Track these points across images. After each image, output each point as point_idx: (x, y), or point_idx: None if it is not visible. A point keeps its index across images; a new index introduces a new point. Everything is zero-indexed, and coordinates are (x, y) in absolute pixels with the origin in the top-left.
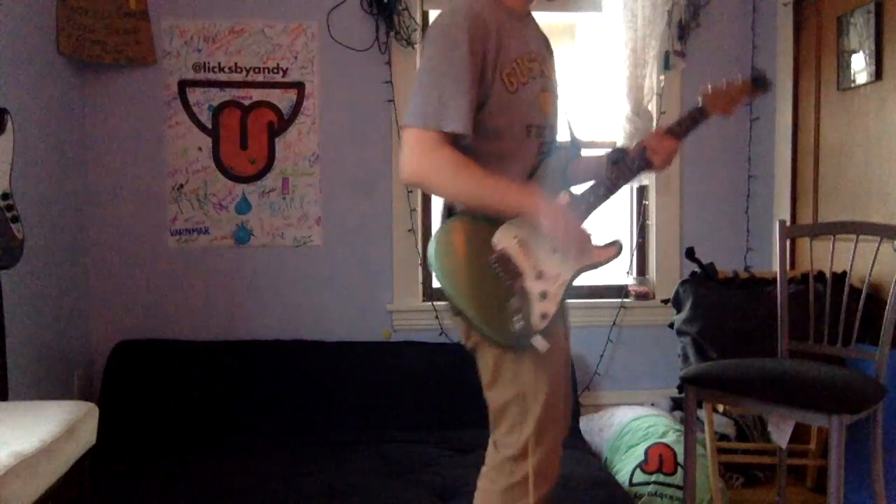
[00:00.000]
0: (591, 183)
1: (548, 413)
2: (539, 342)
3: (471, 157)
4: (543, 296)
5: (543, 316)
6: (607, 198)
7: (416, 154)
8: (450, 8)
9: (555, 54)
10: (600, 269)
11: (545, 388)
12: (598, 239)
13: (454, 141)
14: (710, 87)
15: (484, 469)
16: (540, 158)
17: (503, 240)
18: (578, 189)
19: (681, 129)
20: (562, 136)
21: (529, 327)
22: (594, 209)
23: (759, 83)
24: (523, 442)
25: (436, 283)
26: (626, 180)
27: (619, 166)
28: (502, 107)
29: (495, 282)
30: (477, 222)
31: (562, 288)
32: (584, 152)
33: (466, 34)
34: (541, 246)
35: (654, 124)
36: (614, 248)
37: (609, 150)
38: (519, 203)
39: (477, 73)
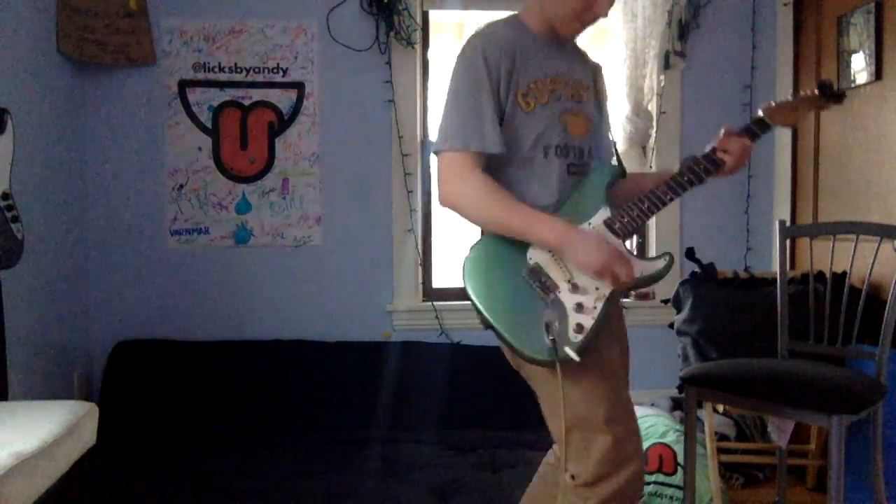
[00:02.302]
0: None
1: (614, 430)
2: (572, 354)
3: (496, 179)
4: (579, 308)
5: (579, 328)
6: (664, 203)
7: (450, 178)
8: (473, 33)
9: (603, 81)
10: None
11: (604, 405)
12: (644, 253)
13: (485, 164)
14: (772, 102)
15: (559, 495)
16: (572, 179)
17: (537, 253)
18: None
19: (751, 132)
20: (605, 157)
21: (564, 340)
22: (639, 222)
23: (827, 92)
24: (591, 469)
25: (465, 292)
26: (691, 184)
27: (685, 169)
28: (518, 126)
29: (529, 296)
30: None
31: (601, 301)
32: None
33: (482, 56)
34: None
35: (655, 124)
36: (662, 263)
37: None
38: (544, 236)
39: (497, 91)
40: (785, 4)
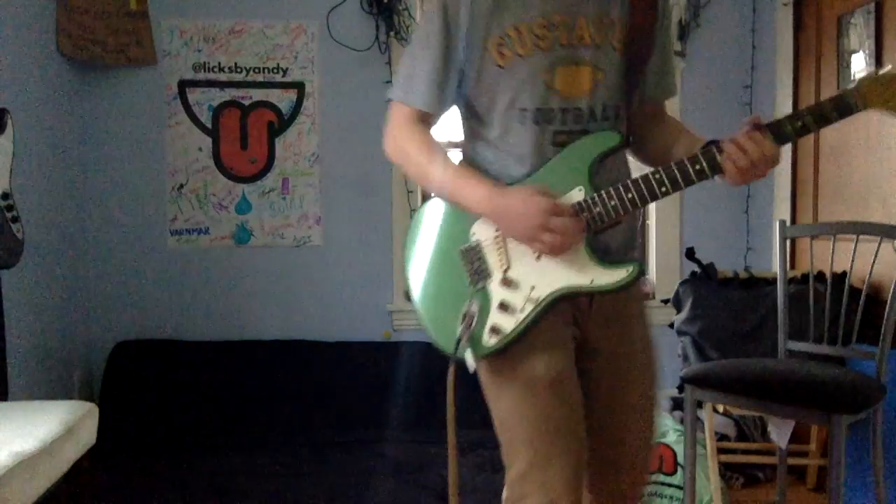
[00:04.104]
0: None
1: (540, 449)
2: (469, 359)
3: (471, 144)
4: (503, 307)
5: (494, 331)
6: (655, 196)
7: (390, 130)
8: None
9: (646, 16)
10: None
11: (531, 419)
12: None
13: (431, 121)
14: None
15: None
16: (557, 149)
17: (482, 231)
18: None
19: (793, 127)
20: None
21: (473, 339)
22: (615, 216)
23: None
24: (510, 482)
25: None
26: (672, 186)
27: (676, 164)
28: (491, 84)
29: (458, 279)
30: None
31: (532, 305)
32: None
33: (441, 6)
34: (526, 250)
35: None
36: (624, 272)
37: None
38: (466, 200)
39: (453, 44)
40: (785, 4)
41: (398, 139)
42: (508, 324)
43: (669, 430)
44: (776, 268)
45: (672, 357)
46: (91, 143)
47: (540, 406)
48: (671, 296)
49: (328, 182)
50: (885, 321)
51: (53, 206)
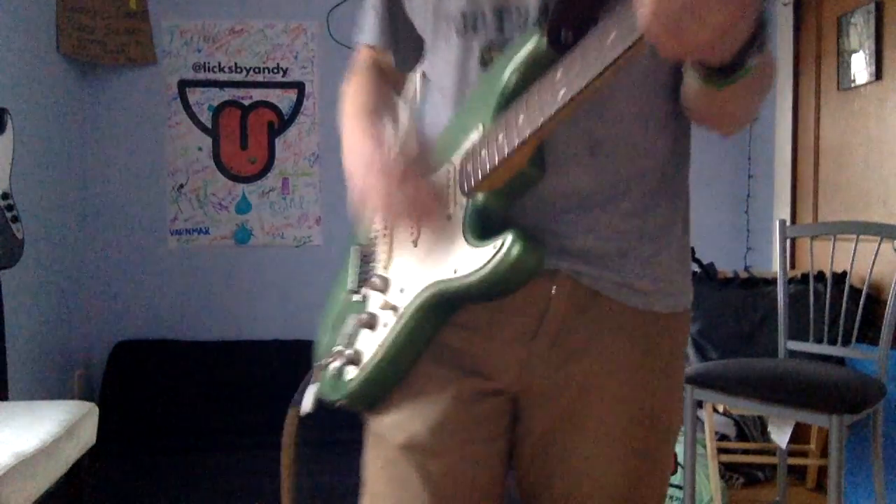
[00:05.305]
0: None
1: None
2: (306, 402)
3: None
4: (371, 321)
5: (354, 359)
6: (542, 126)
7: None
8: None
9: None
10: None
11: (366, 493)
12: (471, 234)
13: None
14: None
15: None
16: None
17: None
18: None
19: None
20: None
21: (330, 374)
22: (489, 169)
23: None
24: None
25: None
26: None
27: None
28: None
29: (346, 283)
30: None
31: (395, 317)
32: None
33: None
34: (406, 233)
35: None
36: (490, 250)
37: None
38: (352, 163)
39: None
40: (785, 4)
41: (346, 86)
42: (368, 349)
43: None
44: (776, 268)
45: None
46: (91, 143)
47: (373, 477)
48: None
49: (328, 182)
50: (885, 321)
51: (53, 206)
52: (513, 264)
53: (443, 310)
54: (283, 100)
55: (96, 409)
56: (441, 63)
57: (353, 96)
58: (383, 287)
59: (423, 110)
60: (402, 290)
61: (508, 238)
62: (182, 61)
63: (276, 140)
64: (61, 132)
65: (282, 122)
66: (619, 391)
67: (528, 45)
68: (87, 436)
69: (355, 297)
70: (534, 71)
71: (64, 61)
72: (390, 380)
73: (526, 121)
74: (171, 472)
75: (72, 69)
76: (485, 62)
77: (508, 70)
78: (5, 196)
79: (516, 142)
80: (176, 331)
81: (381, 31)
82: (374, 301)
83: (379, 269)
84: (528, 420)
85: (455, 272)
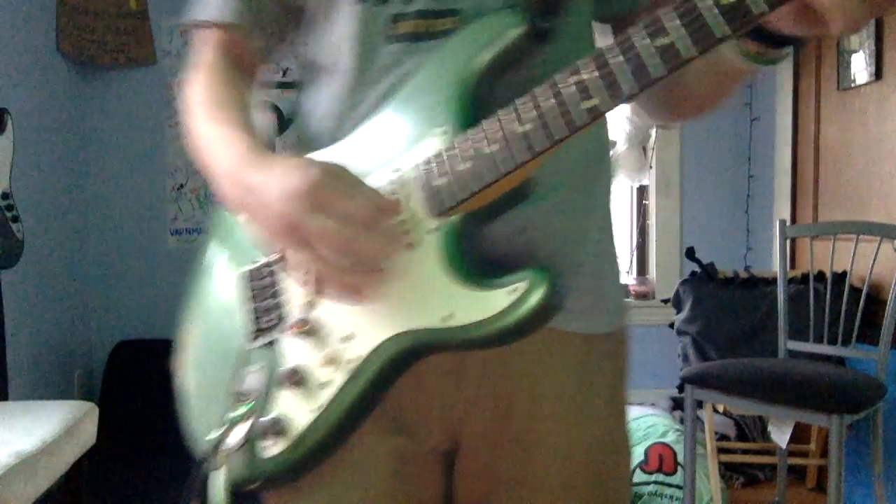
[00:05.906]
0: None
1: None
2: (219, 478)
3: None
4: (296, 378)
5: (275, 428)
6: (545, 145)
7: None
8: None
9: None
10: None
11: None
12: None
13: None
14: None
15: None
16: (402, 55)
17: None
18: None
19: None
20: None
21: (243, 447)
22: (473, 190)
23: None
24: None
25: None
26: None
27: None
28: None
29: (232, 327)
30: None
31: (346, 373)
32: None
33: None
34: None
35: (654, 125)
36: (504, 297)
37: None
38: (218, 168)
39: None
40: None
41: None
42: (301, 415)
43: (669, 430)
44: (776, 268)
45: (672, 357)
46: (91, 143)
47: None
48: (671, 296)
49: None
50: (885, 321)
51: (53, 206)
52: (539, 312)
53: (412, 362)
54: (282, 100)
55: (96, 409)
56: (333, 40)
57: (209, 98)
58: (311, 333)
59: (314, 102)
60: (347, 339)
61: (529, 281)
62: (182, 61)
63: (276, 140)
64: (61, 132)
65: (282, 122)
66: (560, 437)
67: (510, 33)
68: (87, 436)
69: (254, 344)
70: (509, 64)
71: (64, 61)
72: (331, 450)
73: (540, 130)
74: (171, 471)
75: (71, 69)
76: (396, 39)
77: (478, 60)
78: (5, 196)
79: (527, 155)
80: (176, 331)
81: (239, 3)
82: (297, 352)
83: (293, 309)
84: (465, 472)
85: (445, 320)
